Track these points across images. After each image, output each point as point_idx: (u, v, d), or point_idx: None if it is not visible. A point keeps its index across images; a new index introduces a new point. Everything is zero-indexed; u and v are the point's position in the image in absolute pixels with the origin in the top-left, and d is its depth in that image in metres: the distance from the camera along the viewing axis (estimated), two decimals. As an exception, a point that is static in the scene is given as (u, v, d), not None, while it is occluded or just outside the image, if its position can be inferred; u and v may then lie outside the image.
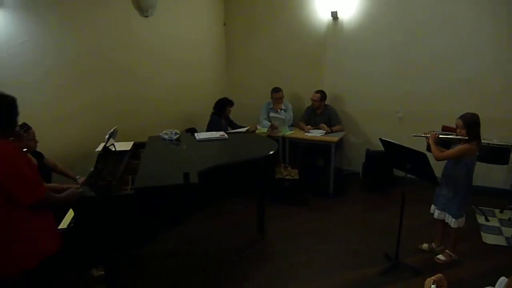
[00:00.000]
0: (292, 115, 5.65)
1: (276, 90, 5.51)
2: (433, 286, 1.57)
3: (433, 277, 1.62)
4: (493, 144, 4.30)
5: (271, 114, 5.37)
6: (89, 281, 3.14)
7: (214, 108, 5.08)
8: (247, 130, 5.05)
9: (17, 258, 2.07)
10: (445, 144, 3.53)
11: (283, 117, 5.30)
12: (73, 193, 2.45)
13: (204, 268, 3.56)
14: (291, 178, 4.93)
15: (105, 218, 2.61)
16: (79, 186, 2.91)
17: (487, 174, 4.88)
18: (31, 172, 2.09)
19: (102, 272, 3.19)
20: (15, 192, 2.01)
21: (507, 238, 3.97)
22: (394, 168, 4.94)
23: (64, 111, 3.77)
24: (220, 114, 5.05)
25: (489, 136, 4.38)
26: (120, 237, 2.67)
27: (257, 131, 5.28)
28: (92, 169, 3.00)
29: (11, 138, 2.14)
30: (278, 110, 5.51)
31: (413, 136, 3.62)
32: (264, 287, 3.27)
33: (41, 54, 3.55)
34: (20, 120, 2.76)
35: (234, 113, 5.38)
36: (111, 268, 2.92)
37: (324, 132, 5.22)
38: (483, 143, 3.65)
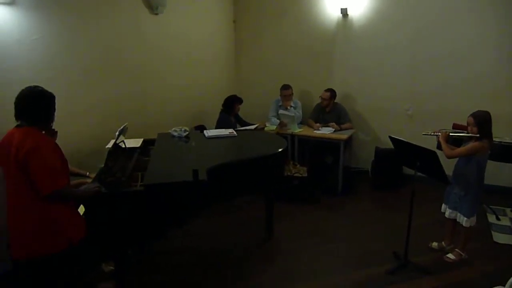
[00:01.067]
0: (301, 113, 5.63)
1: (285, 87, 5.50)
2: None
3: None
4: (505, 142, 4.24)
5: (280, 112, 5.36)
6: (99, 276, 3.17)
7: (223, 105, 5.10)
8: (256, 127, 5.05)
9: (47, 241, 2.21)
10: (456, 142, 3.49)
11: (292, 115, 5.29)
12: (89, 189, 2.53)
13: (211, 265, 3.58)
14: (300, 175, 4.92)
15: (115, 214, 2.63)
16: (91, 181, 2.94)
17: (498, 173, 4.82)
18: (60, 164, 2.24)
19: (112, 267, 3.23)
20: (36, 180, 2.13)
21: (518, 238, 3.93)
22: (403, 166, 4.92)
23: (75, 109, 3.81)
24: (229, 111, 5.07)
25: (501, 134, 4.32)
26: (130, 233, 2.69)
27: (266, 128, 5.28)
28: (102, 165, 3.02)
29: (43, 132, 2.30)
30: (288, 107, 5.50)
31: (423, 135, 3.59)
32: (271, 285, 3.28)
33: (52, 53, 3.58)
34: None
35: (243, 110, 5.39)
36: (120, 263, 2.95)
37: (333, 129, 5.20)
38: (494, 141, 3.61)
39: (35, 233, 2.19)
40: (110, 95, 4.22)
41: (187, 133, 3.94)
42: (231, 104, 5.07)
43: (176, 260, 3.66)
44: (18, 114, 2.23)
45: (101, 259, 3.09)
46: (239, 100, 5.16)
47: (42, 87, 2.29)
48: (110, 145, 3.36)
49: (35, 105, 2.23)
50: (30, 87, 2.26)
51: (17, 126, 2.24)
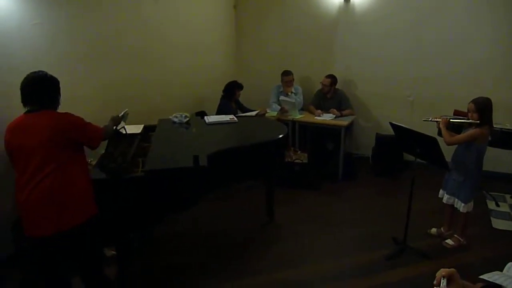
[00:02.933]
0: (302, 99, 5.62)
1: (286, 73, 5.47)
2: (443, 280, 1.56)
3: (444, 272, 1.59)
4: (506, 129, 4.24)
5: (281, 98, 5.35)
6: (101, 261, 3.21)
7: (223, 91, 5.09)
8: (257, 114, 5.05)
9: (71, 214, 2.30)
10: (456, 128, 3.49)
11: (293, 101, 5.28)
12: (113, 119, 2.86)
13: (213, 249, 3.62)
14: (301, 162, 4.94)
15: (116, 200, 2.66)
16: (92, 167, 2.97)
17: (498, 159, 4.83)
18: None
19: (114, 252, 3.27)
20: (86, 137, 2.42)
21: (517, 224, 3.96)
22: (404, 152, 4.93)
23: (76, 94, 3.78)
24: (230, 97, 5.06)
25: (502, 120, 4.32)
26: (131, 218, 2.72)
27: (266, 114, 5.28)
28: (104, 151, 3.04)
29: None
30: (288, 94, 5.49)
31: (424, 120, 3.59)
32: (272, 268, 3.32)
33: (52, 38, 3.55)
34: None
35: (244, 96, 5.38)
36: (123, 248, 2.98)
37: (334, 116, 5.19)
38: (495, 128, 3.61)
39: (65, 205, 2.28)
40: (111, 80, 4.19)
41: (187, 119, 3.94)
42: (231, 90, 5.06)
43: (178, 244, 3.70)
44: (27, 99, 2.29)
45: (104, 244, 3.12)
46: (240, 86, 5.15)
47: (46, 72, 2.35)
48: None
49: (43, 89, 2.30)
50: (35, 72, 2.31)
51: (29, 111, 2.29)
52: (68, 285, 2.58)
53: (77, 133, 2.36)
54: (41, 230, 2.27)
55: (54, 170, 2.24)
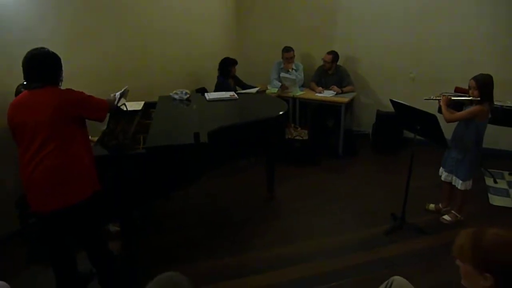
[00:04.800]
0: (303, 75, 5.58)
1: (287, 49, 5.41)
2: None
3: None
4: (506, 106, 4.24)
5: (282, 75, 5.32)
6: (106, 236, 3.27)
7: (219, 70, 5.03)
8: (257, 91, 5.02)
9: (75, 190, 2.34)
10: (458, 106, 3.49)
11: (294, 78, 5.25)
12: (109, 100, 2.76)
13: (214, 225, 3.68)
14: (301, 138, 4.96)
15: (118, 176, 2.69)
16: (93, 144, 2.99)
17: (498, 137, 4.84)
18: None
19: (118, 228, 3.33)
20: (91, 111, 2.44)
21: (514, 200, 4.01)
22: (404, 129, 4.94)
23: (72, 70, 3.72)
24: (226, 75, 5.01)
25: (503, 98, 4.31)
26: (134, 194, 2.76)
27: (267, 91, 5.25)
28: (105, 128, 3.05)
29: None
30: (289, 70, 5.45)
31: (425, 100, 3.58)
32: (272, 244, 3.38)
33: (45, 11, 3.44)
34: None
35: (244, 72, 5.33)
36: (127, 224, 3.04)
37: (335, 92, 5.18)
38: (496, 105, 3.60)
39: (69, 181, 2.32)
40: (108, 55, 4.12)
41: (188, 96, 3.94)
42: (226, 68, 5.00)
43: (179, 220, 3.76)
44: (29, 76, 2.30)
45: (107, 220, 3.18)
46: (234, 62, 5.07)
47: (47, 48, 2.35)
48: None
49: (45, 66, 2.30)
50: (36, 49, 2.31)
51: (32, 88, 2.30)
52: (73, 260, 2.65)
53: (81, 108, 2.37)
54: (46, 206, 2.32)
55: (58, 146, 2.26)
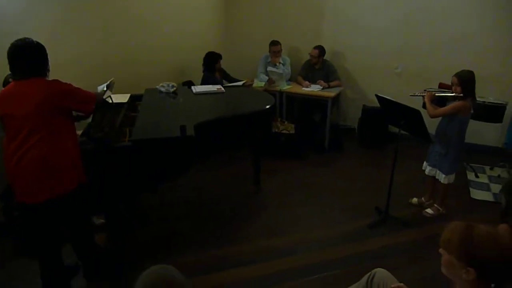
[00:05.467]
0: (290, 70, 5.60)
1: (274, 43, 5.42)
2: None
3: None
4: (488, 102, 4.33)
5: (269, 69, 5.32)
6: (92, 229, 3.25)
7: (203, 65, 5.00)
8: (244, 84, 5.02)
9: (60, 181, 2.33)
10: (441, 101, 3.55)
11: (281, 72, 5.26)
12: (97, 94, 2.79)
13: (200, 218, 3.69)
14: (288, 132, 4.98)
15: (104, 169, 2.67)
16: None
17: (480, 132, 4.94)
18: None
19: (103, 220, 3.31)
20: (80, 103, 2.44)
21: (494, 194, 4.10)
22: (388, 124, 5.00)
23: (58, 61, 3.66)
24: (211, 69, 4.98)
25: (486, 94, 4.40)
26: (119, 187, 2.74)
27: (254, 85, 5.25)
28: (90, 120, 3.02)
29: None
30: (276, 64, 5.45)
31: (410, 96, 3.64)
32: (258, 237, 3.41)
33: (29, 2, 3.41)
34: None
35: (231, 65, 5.31)
36: (112, 216, 3.03)
37: (322, 87, 5.21)
38: (478, 101, 3.69)
39: (55, 172, 2.31)
40: (94, 47, 4.06)
41: (174, 88, 3.92)
42: (211, 63, 4.97)
43: (166, 213, 3.76)
44: (15, 68, 2.28)
45: (92, 212, 3.16)
46: (218, 56, 5.03)
47: (32, 39, 2.32)
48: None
49: (30, 57, 2.27)
50: (20, 39, 2.28)
51: (19, 79, 2.28)
52: (59, 252, 2.64)
53: (68, 99, 2.36)
54: (32, 197, 2.30)
55: (44, 138, 2.25)
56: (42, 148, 2.25)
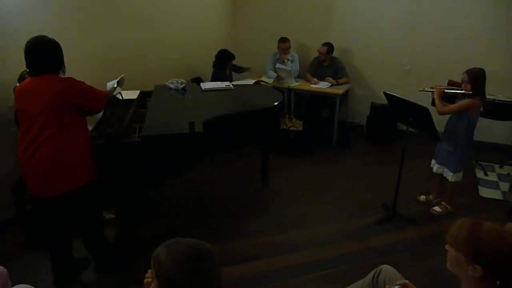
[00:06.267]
0: (298, 67, 5.60)
1: (283, 40, 5.42)
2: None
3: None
4: (498, 100, 4.30)
5: (277, 66, 5.33)
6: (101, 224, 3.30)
7: (215, 61, 5.04)
8: (255, 82, 5.05)
9: (70, 177, 2.37)
10: (450, 98, 3.53)
11: (289, 69, 5.27)
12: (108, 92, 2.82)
13: (208, 213, 3.72)
14: (296, 129, 4.99)
15: (114, 164, 2.72)
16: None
17: (489, 130, 4.91)
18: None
19: (113, 215, 3.36)
20: (90, 100, 2.48)
21: (503, 192, 4.07)
22: (397, 121, 4.98)
23: (70, 58, 3.73)
24: (221, 67, 5.01)
25: (495, 91, 4.37)
26: (129, 182, 2.79)
27: (263, 82, 5.26)
28: (101, 116, 3.06)
29: None
30: (285, 61, 5.46)
31: (419, 91, 3.62)
32: (265, 232, 3.43)
33: (42, 2, 3.45)
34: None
35: (240, 62, 5.33)
36: (122, 211, 3.07)
37: (330, 84, 5.20)
38: (488, 99, 3.65)
39: (65, 168, 2.35)
40: (104, 44, 4.11)
41: (183, 85, 3.94)
42: (223, 61, 5.00)
43: (174, 208, 3.80)
44: (30, 65, 2.34)
45: (103, 207, 3.21)
46: (232, 57, 5.08)
47: (47, 36, 2.37)
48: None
49: (44, 54, 2.32)
50: (37, 37, 2.33)
51: (35, 75, 2.34)
52: (69, 246, 2.69)
53: (80, 97, 2.41)
54: (42, 192, 2.36)
55: (56, 134, 2.30)
56: (52, 145, 2.29)
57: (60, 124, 2.32)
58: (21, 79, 2.88)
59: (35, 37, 2.33)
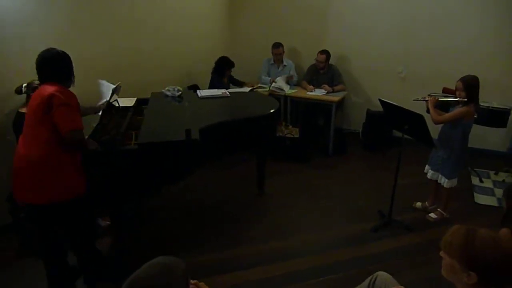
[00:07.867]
0: (295, 73, 5.64)
1: (276, 45, 5.46)
2: None
3: None
4: (493, 107, 4.33)
5: (273, 86, 5.30)
6: (96, 230, 3.28)
7: (214, 68, 5.07)
8: (251, 89, 5.08)
9: (52, 190, 2.32)
10: (444, 106, 3.56)
11: (282, 83, 5.29)
12: (91, 142, 2.67)
13: (204, 220, 3.72)
14: (292, 136, 5.01)
15: (110, 171, 2.71)
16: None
17: (484, 137, 4.95)
18: (78, 110, 2.39)
19: (108, 222, 3.35)
20: (58, 120, 2.25)
21: (498, 199, 4.09)
22: (392, 129, 5.01)
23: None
24: (220, 74, 5.04)
25: (490, 99, 4.41)
26: (125, 189, 2.78)
27: (259, 89, 5.28)
28: (97, 123, 3.07)
29: None
30: (279, 66, 5.54)
31: (414, 100, 3.65)
32: (261, 239, 3.43)
33: (36, 6, 3.43)
34: (24, 74, 2.82)
35: (236, 69, 5.36)
36: (117, 218, 3.06)
37: (326, 91, 5.23)
38: (482, 106, 3.69)
39: (46, 180, 2.31)
40: (101, 51, 4.12)
41: (180, 92, 3.96)
42: (222, 69, 5.04)
43: (170, 214, 3.79)
44: (40, 77, 2.39)
45: (98, 214, 3.20)
46: (231, 65, 5.12)
47: (56, 49, 2.40)
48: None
49: (57, 65, 2.37)
50: (48, 50, 2.38)
51: (42, 83, 2.40)
52: (64, 253, 2.67)
53: (51, 111, 2.27)
54: (22, 198, 2.38)
55: (38, 143, 2.30)
56: (32, 154, 2.29)
57: (43, 134, 2.28)
58: (17, 90, 2.90)
59: (46, 49, 2.38)
